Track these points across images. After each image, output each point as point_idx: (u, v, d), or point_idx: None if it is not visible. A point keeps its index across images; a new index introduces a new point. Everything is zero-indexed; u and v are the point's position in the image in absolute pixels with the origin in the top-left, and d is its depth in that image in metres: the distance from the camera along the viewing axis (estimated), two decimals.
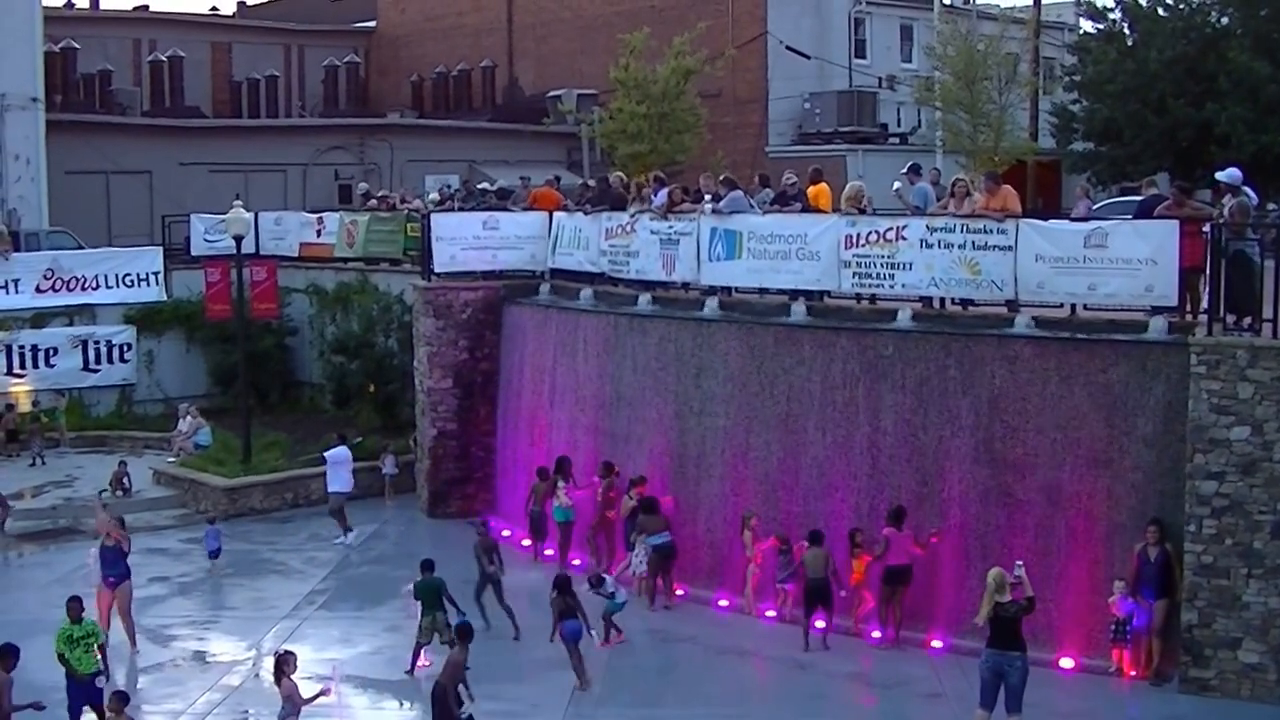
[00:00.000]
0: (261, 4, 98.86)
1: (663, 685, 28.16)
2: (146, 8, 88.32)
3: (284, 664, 24.18)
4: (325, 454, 38.61)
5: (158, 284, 51.53)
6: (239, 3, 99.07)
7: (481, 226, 40.86)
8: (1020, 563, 24.31)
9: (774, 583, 30.60)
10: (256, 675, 28.23)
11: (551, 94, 69.09)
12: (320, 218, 51.89)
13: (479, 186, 48.58)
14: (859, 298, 32.26)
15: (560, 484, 34.84)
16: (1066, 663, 27.53)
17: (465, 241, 40.62)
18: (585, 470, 35.31)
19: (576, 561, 34.55)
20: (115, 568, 29.47)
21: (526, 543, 36.17)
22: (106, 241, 56.58)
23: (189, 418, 44.88)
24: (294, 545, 37.72)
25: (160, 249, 53.24)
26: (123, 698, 23.16)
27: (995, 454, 28.70)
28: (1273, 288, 25.94)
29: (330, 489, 38.10)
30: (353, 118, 74.10)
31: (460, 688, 23.88)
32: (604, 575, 29.93)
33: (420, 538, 37.98)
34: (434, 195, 50.84)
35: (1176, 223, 27.81)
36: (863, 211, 32.49)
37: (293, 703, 23.98)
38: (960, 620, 28.15)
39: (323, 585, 34.15)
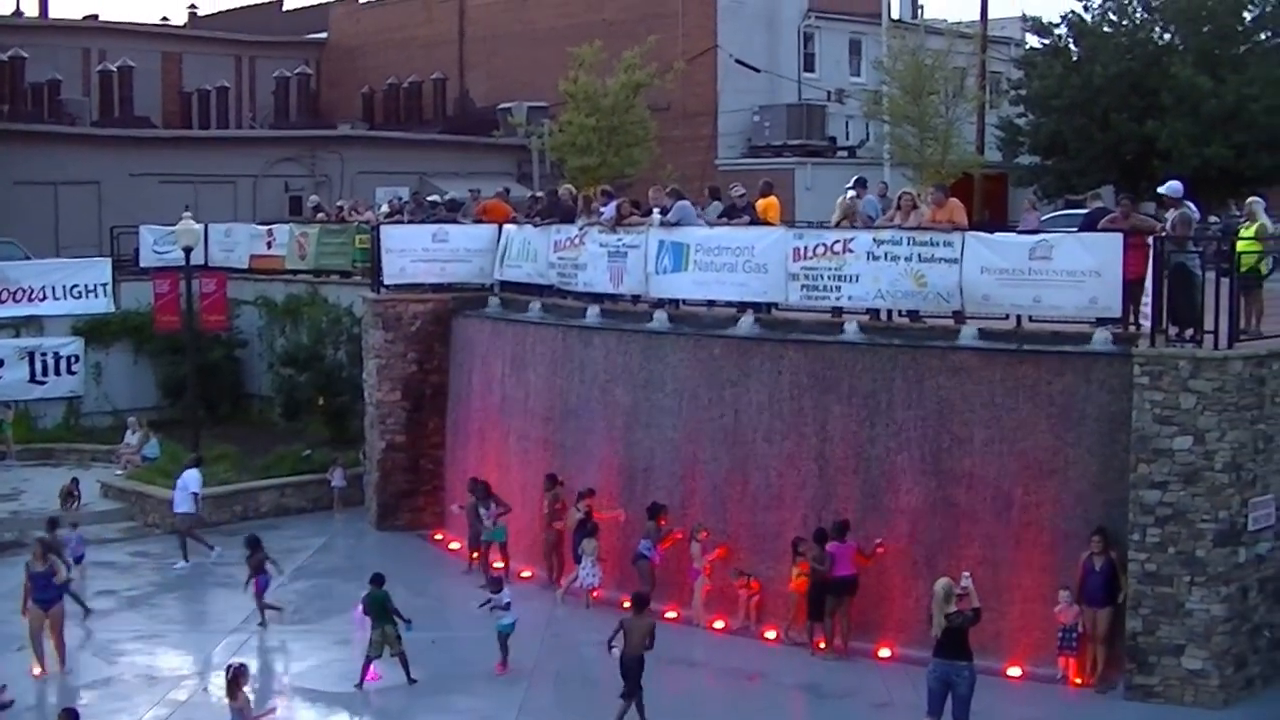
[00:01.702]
0: (213, 14, 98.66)
1: (612, 697, 28.14)
2: (96, 17, 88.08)
3: (239, 677, 24.14)
4: (180, 475, 37.92)
5: (106, 295, 51.33)
6: (190, 13, 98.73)
7: (431, 239, 40.75)
8: (967, 574, 24.41)
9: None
10: (204, 689, 28.13)
11: (502, 106, 69.23)
12: (270, 230, 51.84)
13: (428, 199, 48.54)
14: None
15: (481, 510, 34.73)
16: (1014, 671, 27.61)
17: (415, 254, 40.49)
18: (533, 484, 35.25)
19: (527, 574, 34.59)
20: (45, 592, 29.21)
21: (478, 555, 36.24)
22: (55, 252, 56.29)
23: (137, 430, 44.69)
24: (243, 558, 37.33)
25: (109, 260, 53.03)
26: (71, 715, 23.04)
27: (942, 465, 28.80)
28: (1214, 300, 26.16)
29: (177, 510, 37.38)
30: (304, 129, 73.88)
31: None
32: (502, 580, 29.55)
33: (369, 550, 37.81)
34: (384, 207, 50.80)
35: (1121, 235, 27.97)
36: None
37: (244, 716, 23.95)
38: (908, 630, 28.28)
39: (271, 598, 33.93)
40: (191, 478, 37.44)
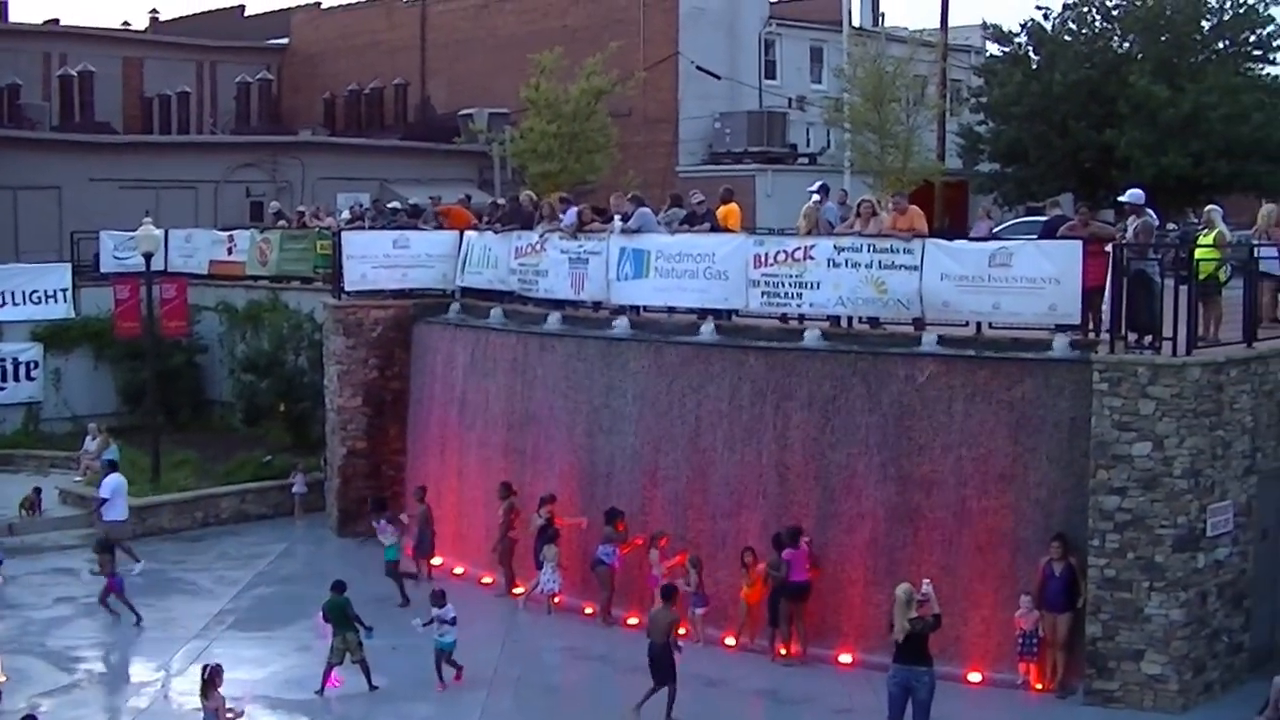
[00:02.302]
0: (174, 19, 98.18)
1: (573, 704, 28.14)
2: (57, 21, 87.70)
3: (215, 677, 24.03)
4: (102, 483, 37.45)
5: (66, 301, 51.09)
6: (151, 18, 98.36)
7: (392, 245, 40.66)
8: (927, 580, 24.43)
9: (690, 609, 30.56)
10: (165, 696, 28.03)
11: (463, 113, 69.08)
12: (231, 235, 51.69)
13: (388, 205, 48.44)
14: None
15: (382, 523, 34.46)
16: (974, 677, 27.66)
17: (376, 260, 40.39)
18: (494, 491, 35.16)
19: (488, 580, 34.51)
20: None
21: (438, 560, 36.14)
22: (14, 258, 55.88)
23: (96, 436, 44.48)
24: (203, 564, 37.42)
25: (69, 266, 52.80)
26: None
27: (902, 471, 28.79)
28: (1172, 307, 26.30)
29: (106, 518, 36.89)
30: (265, 135, 73.66)
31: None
32: (444, 593, 29.04)
33: (330, 557, 37.76)
34: (346, 213, 50.67)
35: (1080, 242, 28.02)
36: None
37: (218, 717, 23.85)
38: (869, 636, 28.25)
39: (232, 605, 33.90)
40: (117, 483, 37.15)
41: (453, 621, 28.23)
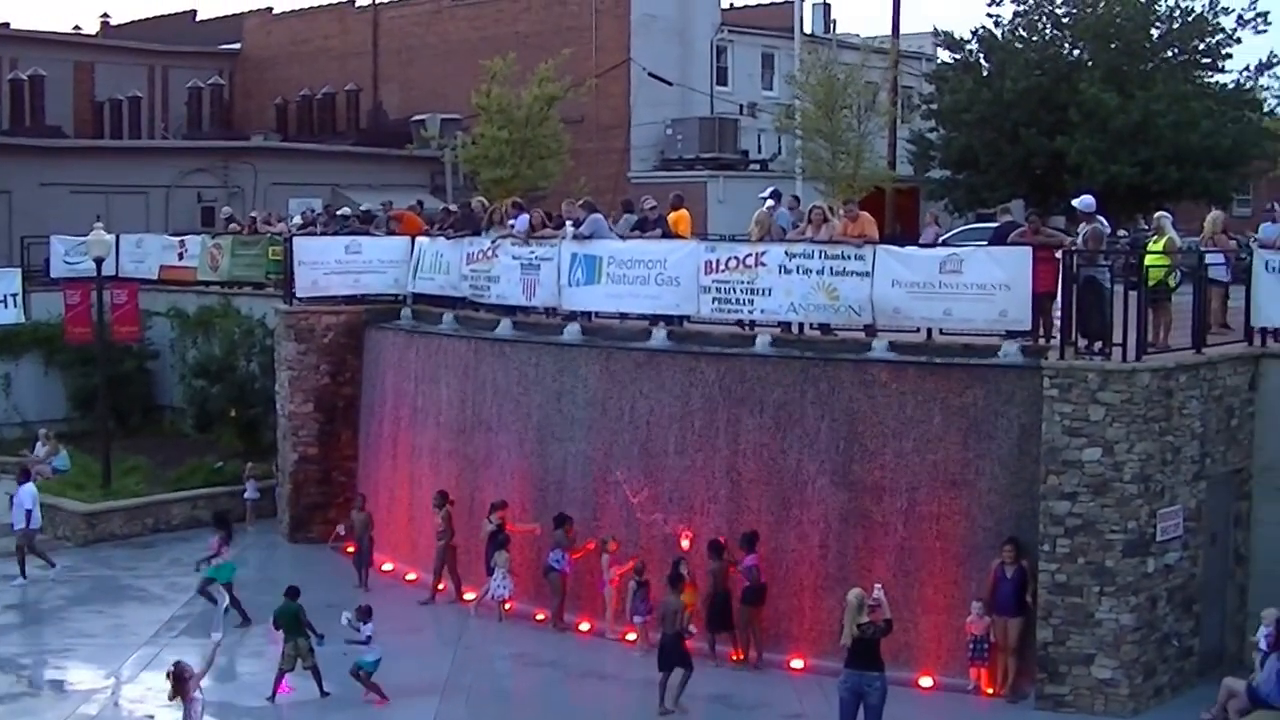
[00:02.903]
0: (126, 24, 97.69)
1: (525, 711, 28.09)
2: (8, 25, 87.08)
3: (185, 673, 23.62)
4: (17, 491, 37.18)
5: (16, 306, 50.56)
6: (103, 22, 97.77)
7: (344, 251, 40.56)
8: (879, 585, 24.43)
9: (630, 615, 30.54)
10: (115, 704, 27.86)
11: (416, 118, 68.93)
12: (182, 241, 51.43)
13: (338, 212, 48.29)
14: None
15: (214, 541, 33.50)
16: (926, 681, 27.69)
17: (328, 266, 40.27)
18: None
19: (440, 587, 34.42)
20: None
21: (389, 566, 36.07)
22: None
23: (46, 442, 44.22)
24: (155, 571, 37.22)
25: (19, 270, 52.15)
26: None
27: (854, 477, 28.82)
28: (1122, 313, 26.36)
29: (17, 526, 36.79)
30: (216, 140, 73.25)
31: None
32: (370, 609, 28.37)
33: (281, 563, 37.57)
34: (297, 219, 50.51)
35: (1030, 249, 28.09)
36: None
37: (194, 711, 23.59)
38: (820, 641, 28.30)
39: (184, 611, 33.68)
40: (27, 493, 36.81)
41: (367, 641, 27.78)
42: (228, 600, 31.41)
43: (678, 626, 27.15)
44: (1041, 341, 28.14)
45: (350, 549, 36.34)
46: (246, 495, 41.51)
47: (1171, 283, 28.74)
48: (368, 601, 29.69)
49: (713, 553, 29.46)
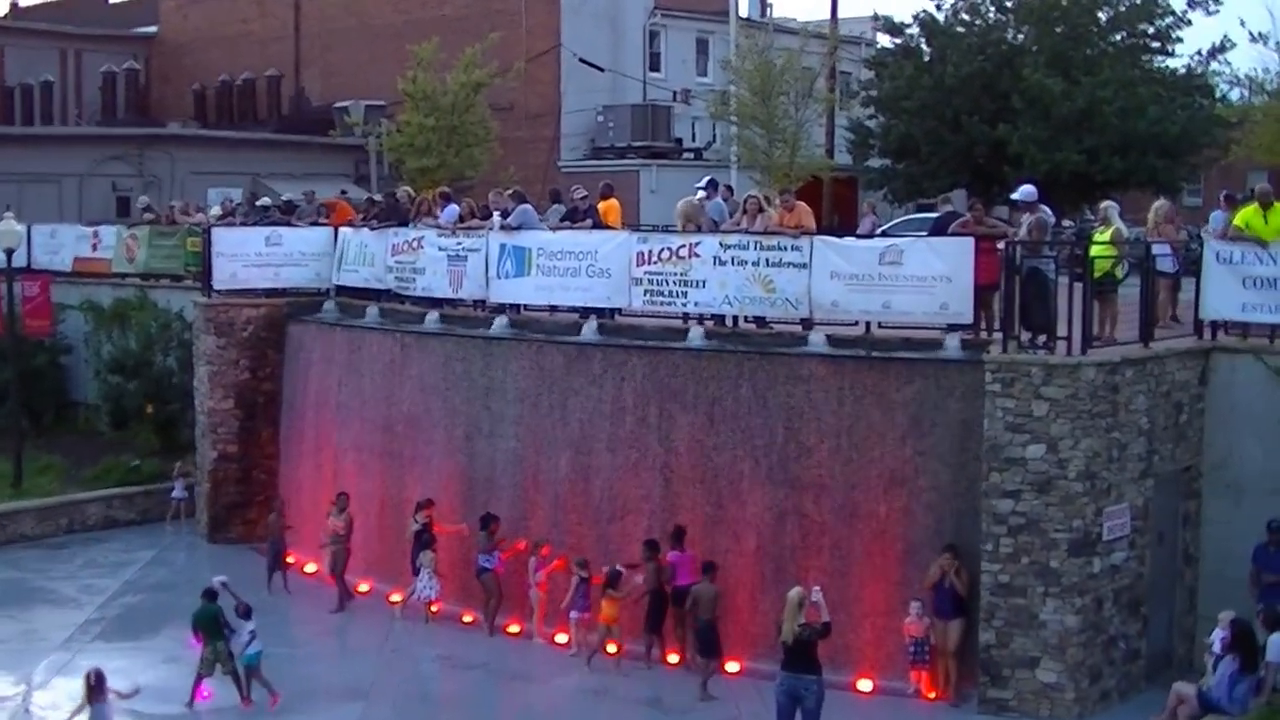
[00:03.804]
0: (36, 6, 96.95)
1: (453, 714, 27.98)
2: None
3: (101, 681, 23.67)
4: None
5: None
6: (12, 4, 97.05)
7: (265, 242, 40.40)
8: (817, 587, 24.37)
9: (565, 611, 30.43)
10: (26, 710, 27.63)
11: (339, 105, 68.51)
12: (97, 231, 51.12)
13: (259, 202, 48.02)
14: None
15: None
16: (865, 685, 27.68)
17: (248, 257, 40.11)
18: (370, 496, 34.99)
19: (365, 588, 34.26)
20: None
21: (311, 568, 35.91)
22: None
23: None
24: (68, 573, 36.94)
25: None
26: None
27: (790, 474, 28.78)
28: (1067, 305, 26.34)
29: None
30: (132, 127, 72.99)
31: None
32: (250, 607, 28.29)
33: (200, 564, 37.32)
34: (216, 209, 50.23)
35: (972, 240, 28.11)
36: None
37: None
38: (756, 644, 28.24)
39: (98, 615, 33.46)
40: None
41: (252, 636, 27.62)
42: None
43: (715, 613, 27.83)
44: (983, 335, 28.22)
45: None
46: (174, 494, 41.23)
47: (1118, 274, 28.67)
48: (288, 604, 29.59)
49: (648, 550, 29.44)
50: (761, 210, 31.59)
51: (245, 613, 27.88)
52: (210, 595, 28.07)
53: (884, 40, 69.60)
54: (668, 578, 29.04)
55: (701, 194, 34.23)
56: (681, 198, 35.01)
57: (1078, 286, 26.64)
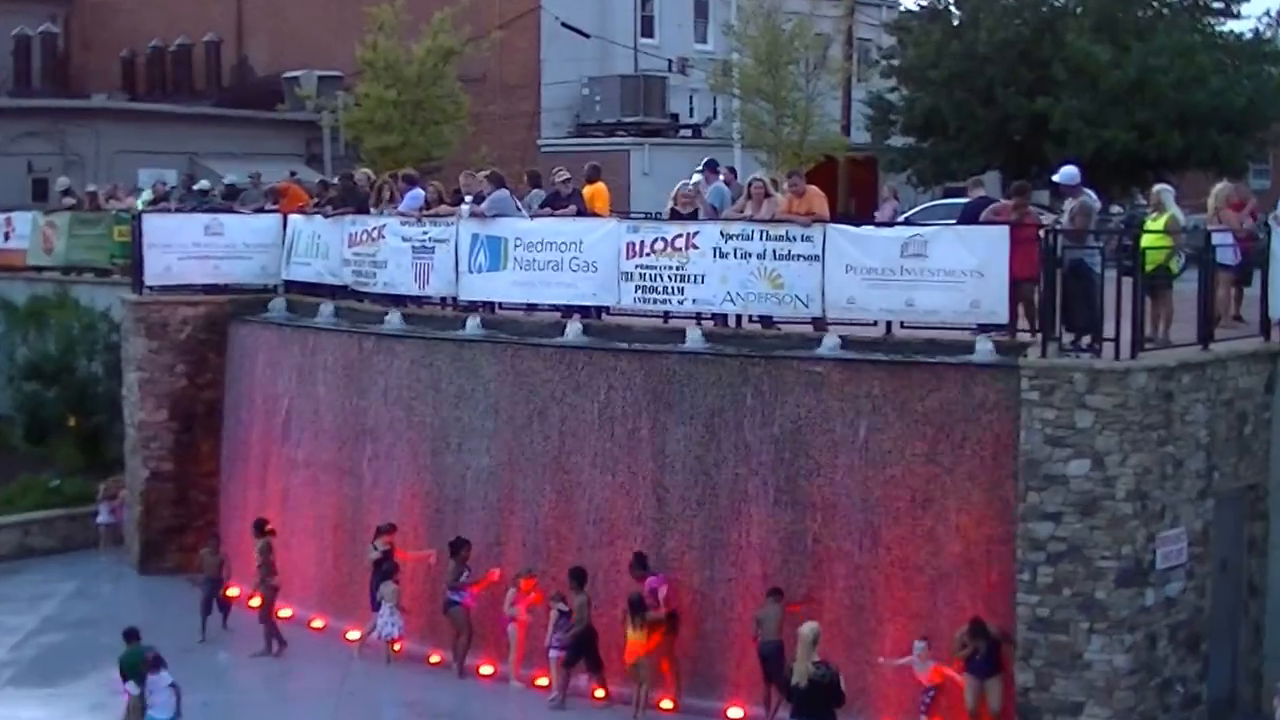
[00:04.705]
0: None
1: None
2: None
3: None
4: None
5: None
6: None
7: (203, 231, 40.32)
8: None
9: (547, 647, 30.52)
10: None
11: (288, 75, 68.56)
12: (9, 218, 51.16)
13: (197, 186, 48.10)
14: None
15: None
16: None
17: (184, 249, 40.03)
18: (325, 518, 35.08)
19: (319, 624, 34.32)
20: None
21: (255, 602, 35.96)
22: None
23: None
24: None
25: None
26: None
27: (800, 494, 28.83)
28: (1115, 303, 26.34)
29: None
30: (50, 99, 72.89)
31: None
32: (160, 659, 27.85)
33: (130, 599, 37.41)
34: (148, 193, 50.29)
35: (1006, 229, 28.12)
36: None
37: None
38: (761, 686, 28.34)
39: (11, 656, 33.52)
40: None
41: (172, 688, 27.44)
42: None
43: (780, 635, 27.67)
44: (1020, 337, 28.25)
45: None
46: (99, 519, 41.25)
47: (1173, 267, 28.70)
48: (231, 643, 29.66)
49: (574, 582, 29.82)
50: (768, 195, 31.57)
51: (155, 664, 27.49)
52: (133, 635, 28.02)
53: (908, 1, 69.83)
54: (644, 607, 29.18)
55: (697, 178, 34.32)
56: (678, 182, 35.02)
57: (1127, 281, 26.65)
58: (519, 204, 35.17)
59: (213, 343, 39.96)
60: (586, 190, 35.76)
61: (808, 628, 24.04)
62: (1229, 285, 30.46)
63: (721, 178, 35.68)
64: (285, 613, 35.09)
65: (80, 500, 41.79)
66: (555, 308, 33.48)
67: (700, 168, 35.10)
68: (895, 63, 66.92)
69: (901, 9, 72.13)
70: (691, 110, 72.92)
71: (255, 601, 35.68)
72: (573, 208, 34.53)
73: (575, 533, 31.29)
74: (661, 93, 69.93)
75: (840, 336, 29.62)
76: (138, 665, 27.62)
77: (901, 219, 40.64)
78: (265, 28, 78.91)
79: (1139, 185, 57.82)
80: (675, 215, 32.67)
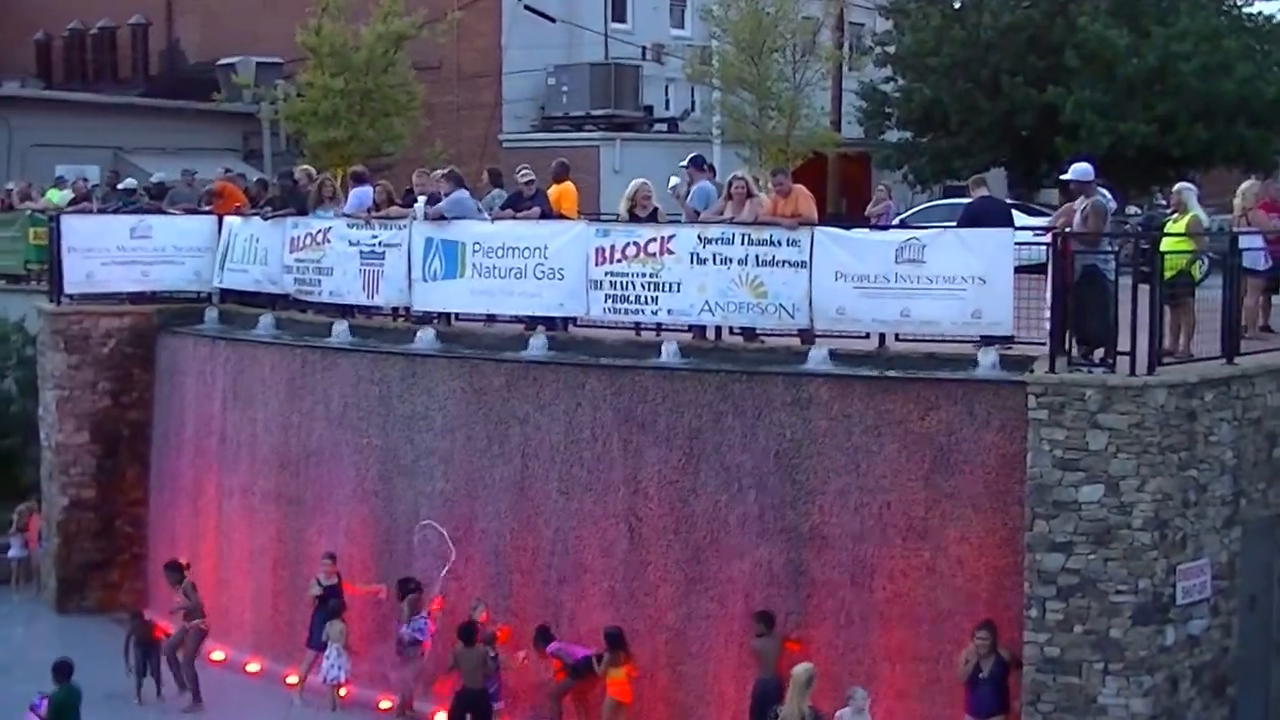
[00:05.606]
0: None
1: None
2: None
3: None
4: None
5: None
6: None
7: (129, 234, 40.28)
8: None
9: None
10: None
11: (223, 62, 68.48)
12: None
13: (121, 185, 48.07)
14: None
15: None
16: None
17: (107, 253, 39.98)
18: (262, 551, 35.13)
19: (255, 667, 34.35)
20: None
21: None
22: None
23: None
24: None
25: None
26: None
27: (786, 523, 28.93)
28: (1130, 312, 26.36)
29: None
30: None
31: None
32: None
33: (44, 641, 37.34)
34: (66, 192, 50.29)
35: (1011, 232, 28.21)
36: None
37: None
38: None
39: None
40: None
41: None
42: None
43: (777, 672, 27.62)
44: (1027, 350, 28.33)
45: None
46: (10, 553, 41.25)
47: (1196, 273, 28.84)
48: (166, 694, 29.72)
49: (463, 637, 30.10)
50: (750, 195, 31.64)
51: (65, 672, 27.88)
52: (63, 671, 28.02)
53: None
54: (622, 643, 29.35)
55: (676, 180, 34.38)
56: (654, 180, 34.85)
57: (1144, 289, 26.72)
58: (479, 205, 35.22)
59: (139, 357, 39.98)
60: (552, 190, 35.80)
61: (801, 669, 24.14)
62: (1257, 293, 30.49)
63: (706, 175, 35.62)
64: (218, 655, 35.13)
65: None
66: (518, 319, 33.64)
67: (685, 163, 35.08)
68: (891, 50, 67.05)
69: None
70: (667, 102, 72.91)
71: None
72: (537, 209, 34.50)
73: (539, 566, 31.38)
74: (635, 83, 69.85)
75: (829, 350, 29.74)
76: (74, 709, 27.66)
77: (897, 221, 40.72)
78: (198, 9, 78.73)
79: (1159, 183, 58.07)
80: (634, 219, 32.75)
